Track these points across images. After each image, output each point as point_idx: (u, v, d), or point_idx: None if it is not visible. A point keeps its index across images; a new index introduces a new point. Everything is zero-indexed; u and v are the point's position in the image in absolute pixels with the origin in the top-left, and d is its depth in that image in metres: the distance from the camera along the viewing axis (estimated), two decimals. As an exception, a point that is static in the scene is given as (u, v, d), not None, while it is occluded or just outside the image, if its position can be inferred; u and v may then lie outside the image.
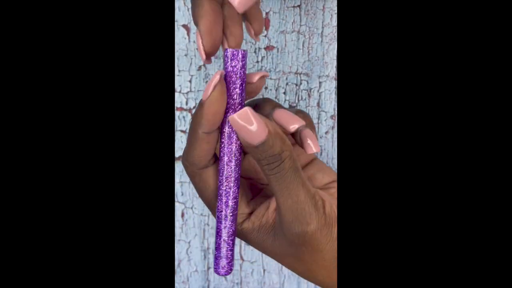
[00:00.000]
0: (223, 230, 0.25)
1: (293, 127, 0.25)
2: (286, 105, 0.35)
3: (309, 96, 0.35)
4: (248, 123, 0.22)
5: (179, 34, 0.34)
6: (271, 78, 0.34)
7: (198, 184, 0.26)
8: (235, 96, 0.23)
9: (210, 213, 0.38)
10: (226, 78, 0.23)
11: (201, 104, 0.23)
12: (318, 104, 0.35)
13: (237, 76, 0.23)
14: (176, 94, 0.35)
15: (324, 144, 0.36)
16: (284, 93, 0.35)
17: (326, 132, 0.35)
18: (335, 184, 0.28)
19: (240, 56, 0.23)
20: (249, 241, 0.26)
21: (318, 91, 0.35)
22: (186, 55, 0.34)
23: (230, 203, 0.25)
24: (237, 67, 0.23)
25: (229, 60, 0.23)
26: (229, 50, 0.23)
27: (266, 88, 0.35)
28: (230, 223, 0.25)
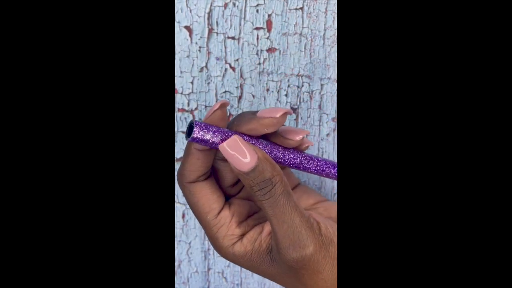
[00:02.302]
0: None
1: (299, 137, 0.26)
2: (288, 107, 0.35)
3: (310, 98, 0.35)
4: (237, 151, 0.23)
5: (181, 36, 0.34)
6: (272, 80, 0.35)
7: (187, 197, 0.27)
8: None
9: (210, 214, 0.38)
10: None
11: None
12: (319, 106, 0.35)
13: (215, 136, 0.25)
14: (178, 96, 0.35)
15: (325, 147, 0.36)
16: (286, 95, 0.35)
17: (327, 135, 0.35)
18: (321, 204, 0.29)
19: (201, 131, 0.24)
20: (241, 265, 0.26)
21: (319, 93, 0.35)
22: (188, 56, 0.34)
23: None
24: (209, 136, 0.24)
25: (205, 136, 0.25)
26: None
27: (267, 90, 0.35)
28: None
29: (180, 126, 0.36)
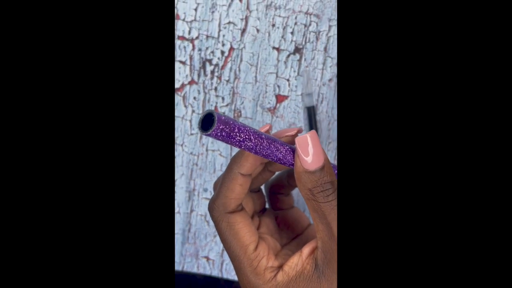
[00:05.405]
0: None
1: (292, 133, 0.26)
2: (292, 46, 0.33)
3: (317, 39, 0.33)
4: (304, 149, 0.22)
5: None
6: (279, 16, 0.33)
7: (225, 230, 0.25)
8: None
9: (200, 152, 0.36)
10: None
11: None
12: (325, 48, 0.33)
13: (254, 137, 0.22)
14: (180, 22, 0.34)
15: (325, 92, 0.34)
16: (292, 33, 0.33)
17: (330, 80, 0.34)
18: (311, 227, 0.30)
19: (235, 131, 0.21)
20: None
21: (326, 34, 0.33)
22: (194, -20, 0.33)
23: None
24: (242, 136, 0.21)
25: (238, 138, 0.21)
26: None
27: (273, 25, 0.33)
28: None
29: (179, 55, 0.34)
